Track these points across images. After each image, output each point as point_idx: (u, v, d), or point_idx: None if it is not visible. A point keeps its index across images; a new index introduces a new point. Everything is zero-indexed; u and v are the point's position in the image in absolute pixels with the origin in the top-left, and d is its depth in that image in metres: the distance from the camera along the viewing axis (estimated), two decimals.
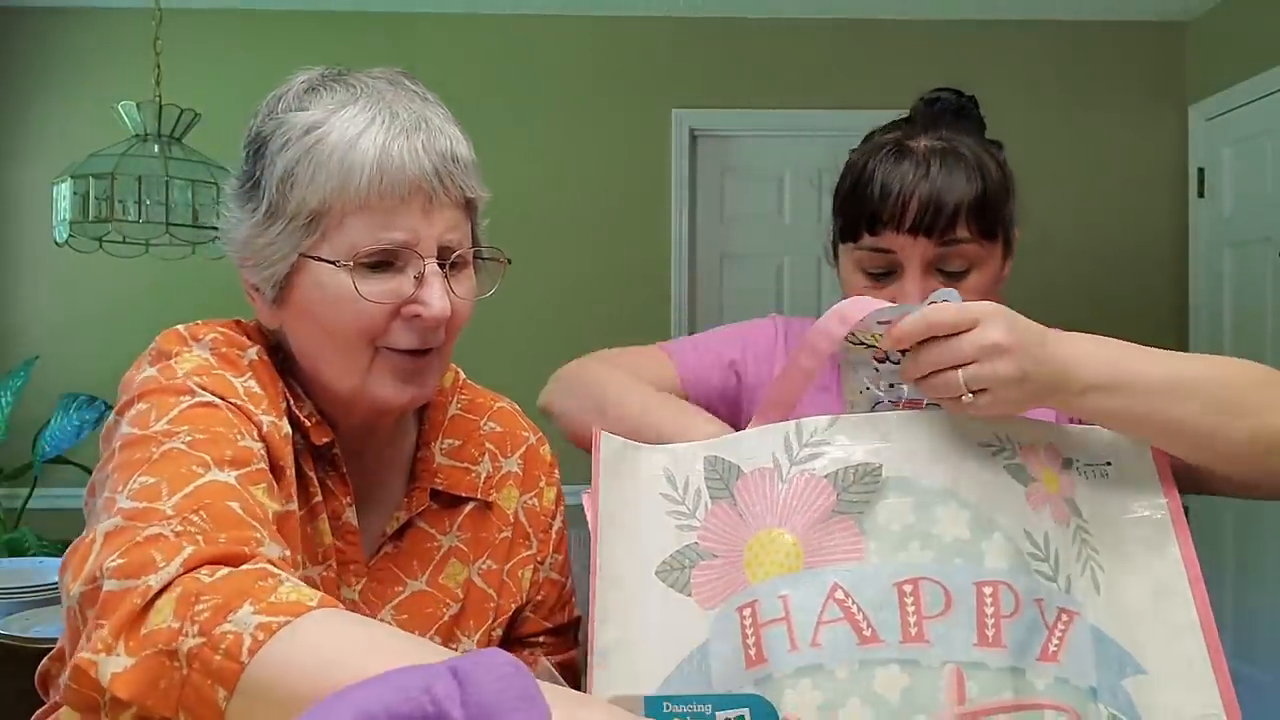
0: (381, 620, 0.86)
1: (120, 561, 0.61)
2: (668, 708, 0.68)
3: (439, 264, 0.82)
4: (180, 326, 0.84)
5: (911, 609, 0.78)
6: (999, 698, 0.75)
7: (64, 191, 2.68)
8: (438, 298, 0.80)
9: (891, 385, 0.88)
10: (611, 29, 3.83)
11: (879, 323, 0.82)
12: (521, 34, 3.81)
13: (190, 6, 3.63)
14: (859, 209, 1.06)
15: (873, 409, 0.89)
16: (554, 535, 0.99)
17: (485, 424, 0.99)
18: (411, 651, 0.58)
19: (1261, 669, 3.21)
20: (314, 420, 0.85)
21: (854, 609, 0.78)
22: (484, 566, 0.93)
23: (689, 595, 0.82)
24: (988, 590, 0.78)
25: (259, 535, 0.66)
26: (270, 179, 0.80)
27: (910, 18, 3.83)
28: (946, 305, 0.80)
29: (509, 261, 0.89)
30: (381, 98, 0.81)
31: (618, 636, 0.81)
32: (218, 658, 0.56)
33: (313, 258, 0.80)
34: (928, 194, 1.02)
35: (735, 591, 0.81)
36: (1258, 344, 3.43)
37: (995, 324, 0.79)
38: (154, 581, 0.59)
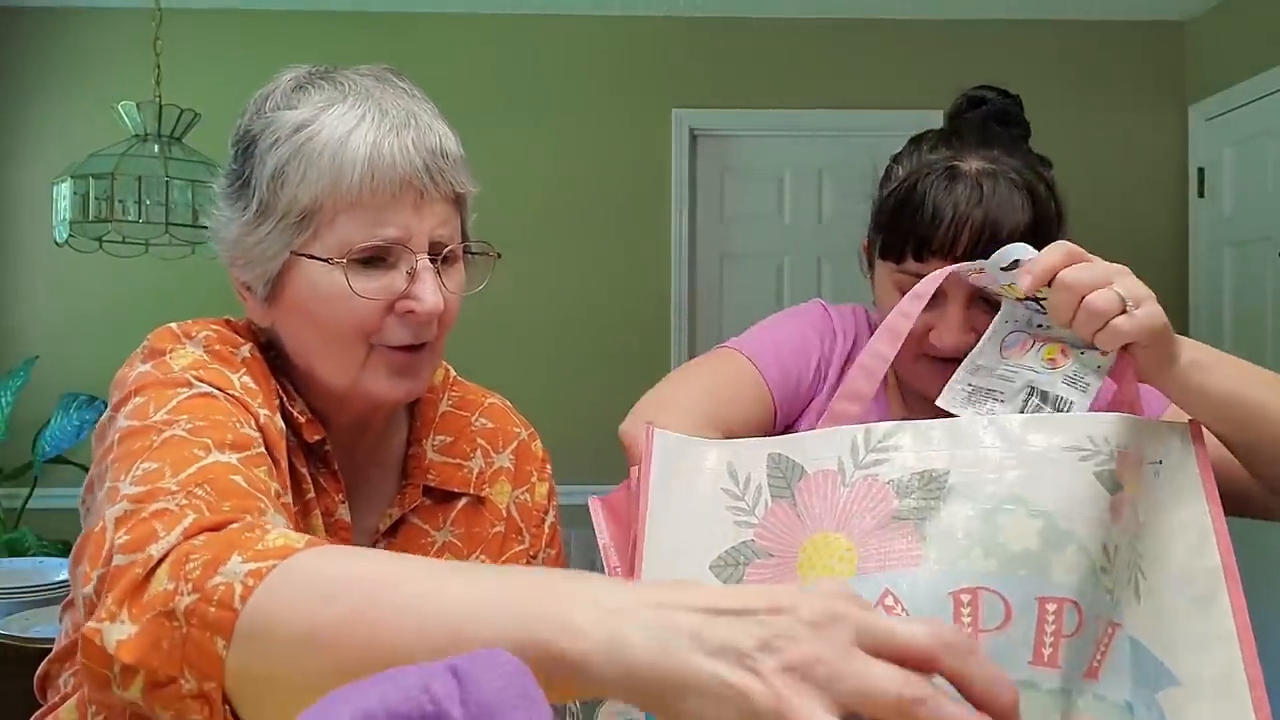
0: None
1: (127, 538, 0.61)
2: None
3: (430, 259, 0.82)
4: (173, 325, 0.83)
5: (968, 620, 0.74)
6: (1046, 719, 0.72)
7: (64, 191, 2.68)
8: (431, 293, 0.81)
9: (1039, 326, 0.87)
10: (611, 29, 3.83)
11: (1002, 269, 0.82)
12: (521, 34, 3.81)
13: (190, 6, 3.63)
14: (906, 232, 1.02)
15: (1006, 338, 0.88)
16: (546, 530, 0.99)
17: (476, 420, 0.99)
18: (405, 566, 0.57)
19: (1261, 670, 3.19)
20: (306, 418, 0.85)
21: (903, 616, 0.74)
22: (478, 561, 0.93)
23: None
24: (1051, 607, 0.74)
25: (263, 505, 0.66)
26: (260, 177, 0.81)
27: (910, 18, 3.83)
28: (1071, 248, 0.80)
29: (498, 255, 0.90)
30: (370, 95, 0.82)
31: None
32: (213, 609, 0.56)
33: (305, 255, 0.80)
34: (980, 223, 0.99)
35: None
36: (1258, 344, 3.42)
37: (1133, 277, 0.79)
38: (155, 551, 0.60)
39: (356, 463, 0.90)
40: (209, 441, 0.69)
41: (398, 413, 0.94)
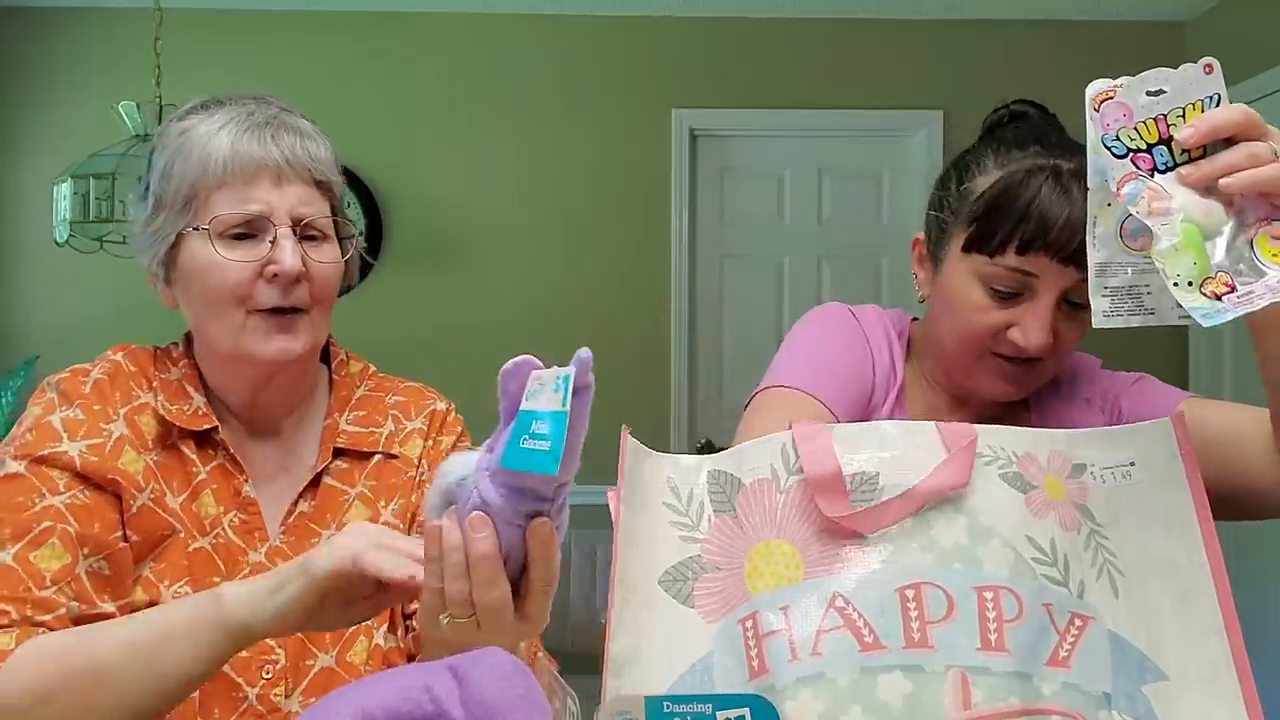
0: None
1: None
2: (668, 708, 0.68)
3: (292, 230, 0.95)
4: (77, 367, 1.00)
5: (915, 614, 0.78)
6: (1005, 703, 0.74)
7: (64, 191, 2.68)
8: (289, 256, 0.93)
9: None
10: (611, 29, 3.83)
11: (1148, 93, 0.76)
12: (521, 34, 3.81)
13: (190, 6, 3.63)
14: (1012, 226, 1.02)
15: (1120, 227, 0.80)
16: None
17: (390, 398, 1.09)
18: (113, 633, 0.81)
19: (1262, 670, 3.20)
20: (198, 413, 0.98)
21: (855, 616, 0.78)
22: (395, 507, 1.03)
23: (692, 608, 0.82)
24: (988, 595, 0.78)
25: (9, 618, 0.83)
26: (155, 178, 0.97)
27: (910, 18, 3.83)
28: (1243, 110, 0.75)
29: (359, 234, 1.04)
30: (244, 107, 0.98)
31: (629, 645, 0.81)
32: None
33: (186, 231, 0.95)
34: (1084, 224, 1.01)
35: (737, 604, 0.81)
36: None
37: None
38: None
39: (283, 442, 1.04)
40: None
41: (320, 396, 1.07)
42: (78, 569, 0.88)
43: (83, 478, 0.91)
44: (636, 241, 3.81)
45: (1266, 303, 0.74)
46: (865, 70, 3.84)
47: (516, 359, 0.67)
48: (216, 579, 0.94)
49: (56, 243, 2.78)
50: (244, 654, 0.89)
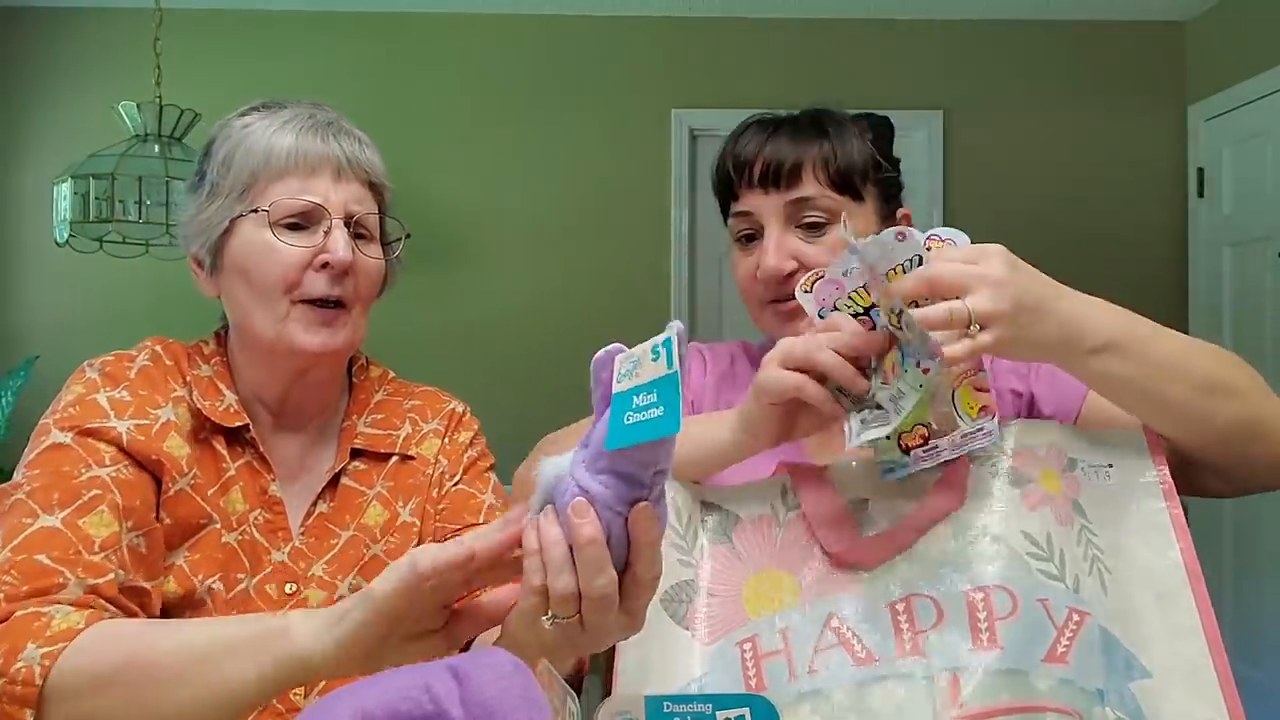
0: (311, 574, 0.99)
1: None
2: (668, 708, 0.68)
3: (344, 224, 0.98)
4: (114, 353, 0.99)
5: (905, 625, 0.80)
6: (995, 701, 0.75)
7: (64, 191, 2.68)
8: (342, 247, 0.96)
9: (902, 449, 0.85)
10: (611, 29, 3.83)
11: (854, 266, 0.81)
12: (522, 34, 3.81)
13: (190, 6, 3.63)
14: (722, 179, 1.13)
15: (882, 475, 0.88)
16: (465, 460, 1.09)
17: (407, 403, 1.11)
18: (184, 633, 0.78)
19: (1261, 669, 3.22)
20: (230, 410, 0.99)
21: (848, 634, 0.81)
22: (412, 507, 1.04)
23: (686, 629, 0.85)
24: (978, 596, 0.79)
25: (61, 580, 0.82)
26: (213, 167, 0.99)
27: (910, 18, 3.83)
28: (941, 266, 0.78)
29: (408, 235, 1.08)
30: (304, 109, 1.02)
31: (637, 657, 0.83)
32: (17, 688, 0.75)
33: (242, 216, 0.97)
34: (771, 154, 1.08)
35: (735, 627, 0.84)
36: (1258, 344, 3.42)
37: (996, 261, 0.78)
38: None
39: (305, 440, 1.05)
40: (37, 508, 0.86)
41: (341, 395, 1.09)
42: (123, 540, 0.88)
43: (127, 454, 0.91)
44: (636, 241, 3.81)
45: (945, 458, 0.81)
46: (865, 70, 3.84)
47: (606, 347, 0.67)
48: (241, 575, 0.95)
49: (56, 243, 2.78)
50: None
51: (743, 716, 0.68)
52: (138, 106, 2.74)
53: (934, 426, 0.82)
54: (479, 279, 3.78)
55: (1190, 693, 0.78)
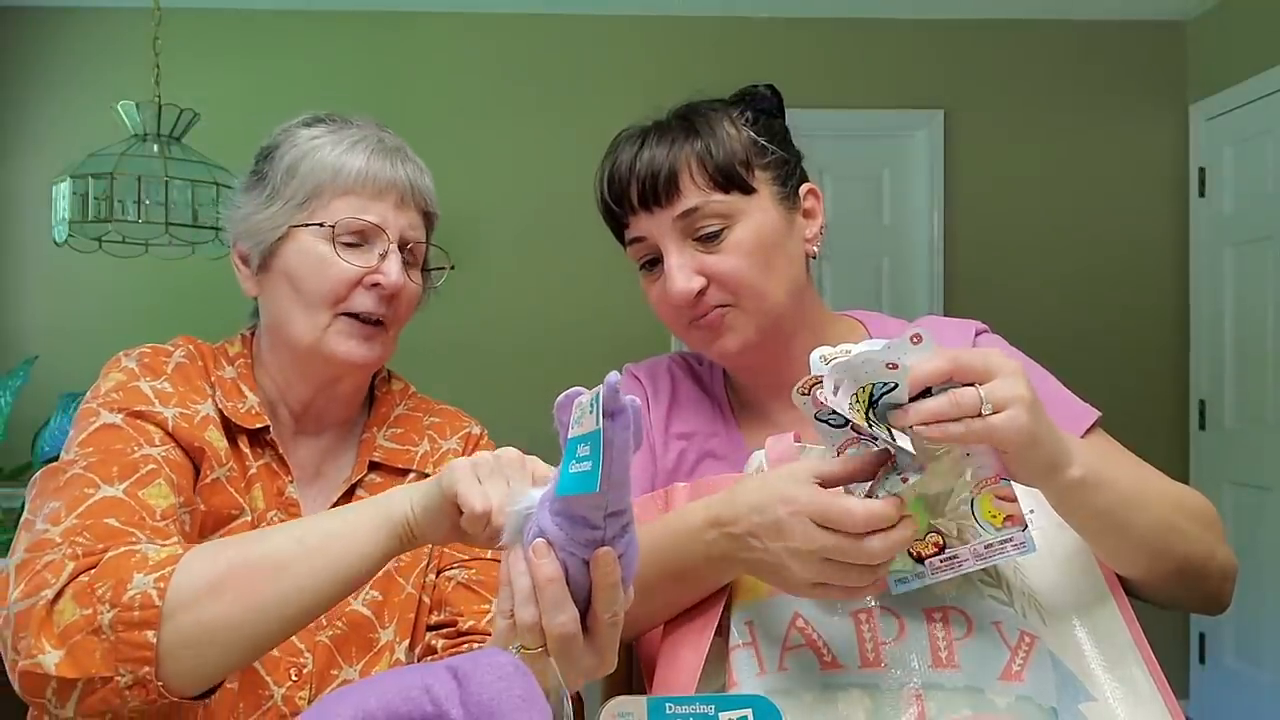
0: None
1: (23, 588, 0.79)
2: (670, 709, 0.68)
3: (399, 249, 1.01)
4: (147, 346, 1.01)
5: (869, 635, 0.82)
6: (959, 715, 0.78)
7: (64, 191, 2.68)
8: (396, 271, 1.00)
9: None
10: (611, 29, 3.83)
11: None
12: (522, 34, 3.81)
13: (190, 6, 3.63)
14: (604, 209, 1.08)
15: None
16: None
17: (427, 419, 1.12)
18: (278, 534, 0.80)
19: (1261, 669, 3.22)
20: (252, 412, 1.01)
21: (815, 636, 0.83)
22: None
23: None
24: (937, 615, 0.83)
25: (134, 538, 0.82)
26: (276, 171, 1.01)
27: (910, 18, 3.83)
28: (966, 351, 0.76)
29: (452, 267, 1.10)
30: (372, 131, 1.05)
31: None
32: (136, 613, 0.75)
33: (302, 226, 1.00)
34: (644, 168, 1.02)
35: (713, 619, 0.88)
36: (1258, 344, 3.43)
37: (1016, 379, 0.75)
38: (48, 594, 0.77)
39: (323, 446, 1.07)
40: (97, 479, 0.86)
41: (362, 407, 1.11)
42: (179, 514, 0.89)
43: (173, 438, 0.94)
44: None
45: (970, 569, 0.79)
46: (865, 70, 3.84)
47: (566, 391, 0.67)
48: None
49: (56, 242, 2.78)
50: (274, 653, 0.91)
51: (745, 717, 0.68)
52: (137, 106, 2.73)
53: (950, 535, 0.79)
54: (477, 278, 3.77)
55: (1135, 711, 0.81)
